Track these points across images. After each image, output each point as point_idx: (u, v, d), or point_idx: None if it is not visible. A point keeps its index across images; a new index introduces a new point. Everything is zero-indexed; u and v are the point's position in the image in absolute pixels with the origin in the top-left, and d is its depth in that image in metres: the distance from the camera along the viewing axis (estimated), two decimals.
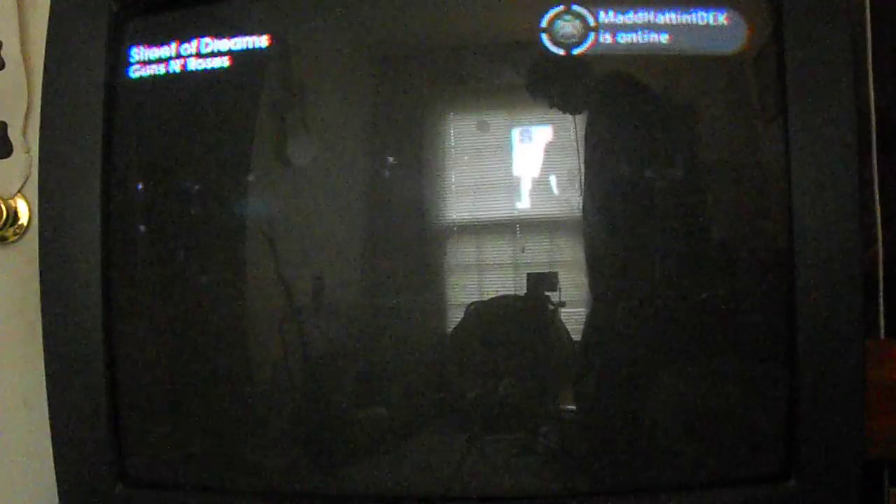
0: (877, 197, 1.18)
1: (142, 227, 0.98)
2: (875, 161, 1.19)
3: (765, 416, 0.89)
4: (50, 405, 0.95)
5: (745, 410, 0.90)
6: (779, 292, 0.88)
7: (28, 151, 1.18)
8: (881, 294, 1.17)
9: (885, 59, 1.19)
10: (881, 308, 1.17)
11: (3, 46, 1.18)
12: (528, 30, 0.92)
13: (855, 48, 1.15)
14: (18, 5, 1.17)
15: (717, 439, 0.90)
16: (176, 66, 0.96)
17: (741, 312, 0.90)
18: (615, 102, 0.94)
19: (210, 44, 0.96)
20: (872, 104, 1.18)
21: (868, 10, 1.19)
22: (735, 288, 0.90)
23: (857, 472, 0.87)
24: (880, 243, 1.18)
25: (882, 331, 1.17)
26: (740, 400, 0.90)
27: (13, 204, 1.19)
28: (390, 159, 0.95)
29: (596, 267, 0.93)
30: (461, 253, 0.92)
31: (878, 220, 1.18)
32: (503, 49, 0.95)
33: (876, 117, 1.19)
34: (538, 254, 0.93)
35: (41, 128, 0.97)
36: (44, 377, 0.95)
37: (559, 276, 0.91)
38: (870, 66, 1.19)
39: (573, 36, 0.91)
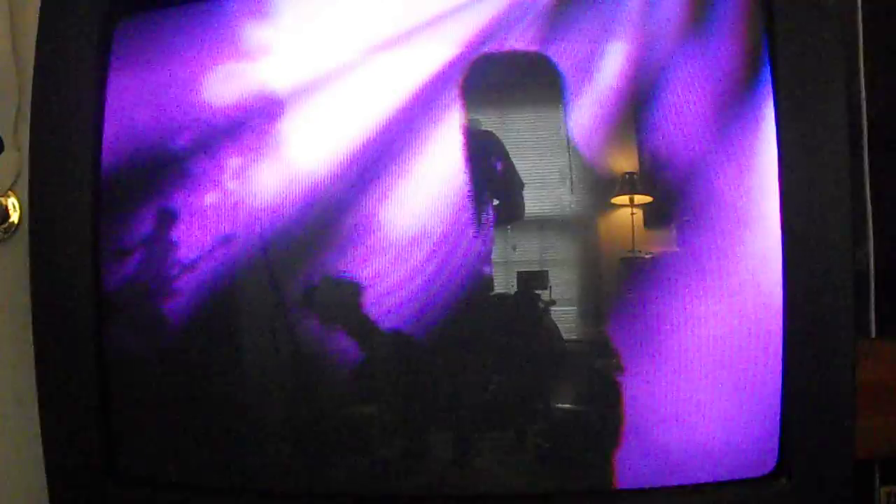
0: (868, 196, 1.19)
1: (132, 224, 0.98)
2: (866, 161, 1.19)
3: (756, 414, 0.89)
4: (40, 403, 0.94)
5: (737, 409, 0.90)
6: (770, 292, 0.88)
7: (19, 149, 1.17)
8: (872, 293, 1.17)
9: (877, 61, 1.20)
10: (872, 307, 1.17)
11: None
12: None
13: (847, 50, 1.16)
14: (9, 3, 1.17)
15: (709, 438, 0.90)
16: (164, 62, 0.96)
17: (732, 311, 0.90)
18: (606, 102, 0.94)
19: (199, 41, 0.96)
20: (864, 104, 1.19)
21: (860, 13, 1.19)
22: (726, 288, 0.90)
23: (848, 471, 0.87)
24: (871, 242, 1.18)
25: (873, 330, 1.17)
26: (732, 399, 0.90)
27: (3, 202, 1.18)
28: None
29: (587, 265, 0.93)
30: (451, 251, 0.93)
31: (870, 220, 1.18)
32: None
33: (867, 117, 1.19)
34: (528, 252, 0.93)
35: (32, 125, 0.96)
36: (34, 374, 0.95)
37: (549, 275, 0.91)
38: (861, 68, 1.19)
39: None
